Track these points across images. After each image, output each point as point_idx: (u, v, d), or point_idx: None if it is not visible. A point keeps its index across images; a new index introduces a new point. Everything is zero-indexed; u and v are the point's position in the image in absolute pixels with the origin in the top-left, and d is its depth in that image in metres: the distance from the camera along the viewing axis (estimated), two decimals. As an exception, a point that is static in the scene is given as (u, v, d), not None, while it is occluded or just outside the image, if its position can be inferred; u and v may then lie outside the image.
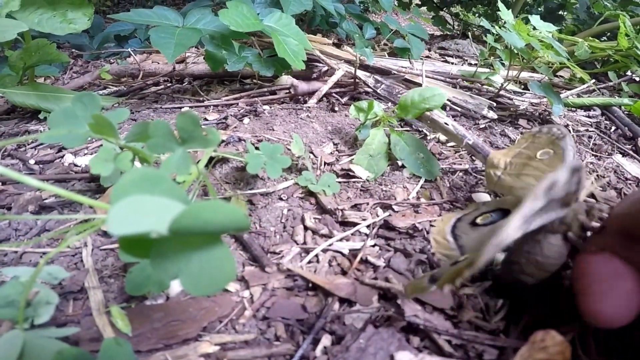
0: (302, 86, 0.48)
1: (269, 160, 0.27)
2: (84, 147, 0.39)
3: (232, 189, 0.30)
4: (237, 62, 0.49)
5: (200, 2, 1.03)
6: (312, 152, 0.37)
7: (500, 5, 0.54)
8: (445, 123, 0.36)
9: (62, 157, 0.37)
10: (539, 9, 1.41)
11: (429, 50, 1.04)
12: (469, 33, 1.79)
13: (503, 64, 0.62)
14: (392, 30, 0.77)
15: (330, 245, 0.26)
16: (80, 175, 0.33)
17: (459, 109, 0.48)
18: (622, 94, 0.86)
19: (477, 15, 1.77)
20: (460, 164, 0.37)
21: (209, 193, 0.27)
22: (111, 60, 0.77)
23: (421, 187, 0.33)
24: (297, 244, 0.26)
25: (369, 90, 0.49)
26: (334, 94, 0.49)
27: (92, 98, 0.25)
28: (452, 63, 0.86)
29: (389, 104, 0.48)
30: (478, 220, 0.21)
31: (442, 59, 0.90)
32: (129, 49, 0.67)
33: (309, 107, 0.46)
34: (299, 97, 0.48)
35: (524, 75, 0.65)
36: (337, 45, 0.92)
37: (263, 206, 0.29)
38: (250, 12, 0.48)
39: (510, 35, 0.47)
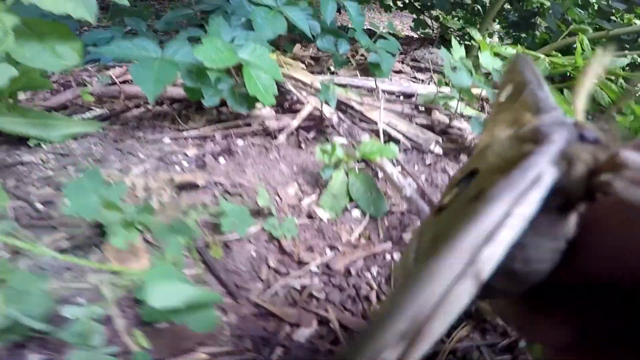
0: (272, 124, 0.60)
1: (238, 221, 0.41)
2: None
3: (211, 234, 0.44)
4: (213, 96, 0.60)
5: (180, 11, 1.09)
6: (277, 195, 0.50)
7: (453, 42, 0.66)
8: (392, 172, 0.50)
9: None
10: (515, 14, 1.52)
11: (403, 61, 1.16)
12: (449, 37, 1.91)
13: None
14: (365, 46, 0.88)
15: (286, 282, 0.40)
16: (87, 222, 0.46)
17: (410, 144, 0.62)
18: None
19: (456, 18, 1.89)
20: (399, 206, 0.51)
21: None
22: (89, 68, 0.84)
23: (364, 228, 0.48)
24: (262, 281, 0.41)
25: (334, 123, 0.61)
26: (302, 128, 0.62)
27: (96, 175, 0.38)
28: (421, 80, 0.99)
29: (350, 137, 0.61)
30: (445, 200, 0.14)
31: (412, 75, 1.02)
32: (109, 64, 0.76)
33: (278, 144, 0.58)
34: (270, 131, 0.61)
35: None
36: (316, 59, 1.03)
37: (237, 249, 0.43)
38: (225, 46, 0.59)
39: (458, 76, 0.60)
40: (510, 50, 0.92)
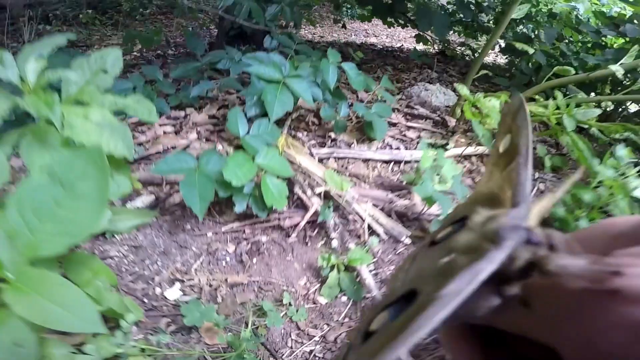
0: (285, 222, 0.87)
1: (274, 317, 0.71)
2: (172, 278, 0.80)
3: (256, 317, 0.75)
4: (242, 202, 0.86)
5: (191, 64, 1.26)
6: (294, 287, 0.80)
7: (423, 149, 0.90)
8: (365, 278, 0.80)
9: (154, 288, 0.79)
10: (510, 34, 1.66)
11: (399, 105, 1.39)
12: (449, 52, 2.03)
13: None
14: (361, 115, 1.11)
15: (302, 349, 0.72)
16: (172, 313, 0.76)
17: (386, 234, 0.90)
18: (544, 169, 1.27)
19: (457, 33, 2.03)
20: (374, 292, 0.81)
21: None
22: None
23: (348, 309, 0.79)
24: (290, 348, 0.72)
25: (330, 227, 0.89)
26: (308, 222, 0.89)
27: (196, 304, 0.67)
28: (410, 139, 1.23)
29: (341, 241, 0.89)
30: (438, 237, 0.16)
31: (403, 132, 1.25)
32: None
33: (291, 242, 0.86)
34: (284, 228, 0.88)
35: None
36: (319, 118, 1.24)
37: (273, 329, 0.74)
38: (245, 159, 0.83)
39: (422, 187, 0.85)
40: (494, 102, 1.15)
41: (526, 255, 0.11)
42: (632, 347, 0.10)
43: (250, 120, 1.01)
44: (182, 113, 1.33)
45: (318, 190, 0.91)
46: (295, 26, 1.85)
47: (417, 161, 1.10)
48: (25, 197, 0.48)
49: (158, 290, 0.79)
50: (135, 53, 2.28)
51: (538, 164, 1.27)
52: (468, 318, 0.13)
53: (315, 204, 0.89)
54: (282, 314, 0.76)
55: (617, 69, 1.20)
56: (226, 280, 0.79)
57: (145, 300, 0.77)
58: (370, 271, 0.82)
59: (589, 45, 1.81)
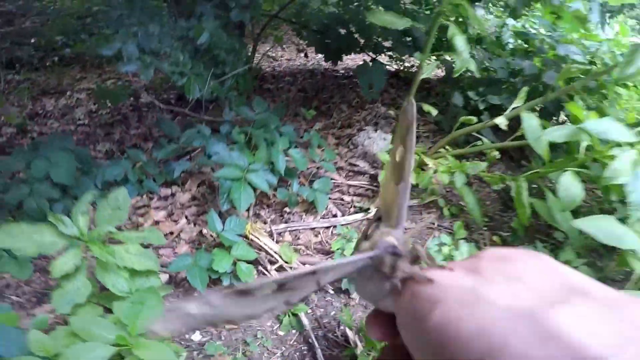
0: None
1: (252, 347, 1.31)
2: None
3: None
4: (226, 279, 1.43)
5: (171, 147, 1.76)
6: (264, 327, 1.39)
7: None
8: None
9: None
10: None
11: (346, 154, 1.93)
12: (403, 73, 2.28)
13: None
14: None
15: (270, 364, 1.33)
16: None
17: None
18: (444, 217, 1.84)
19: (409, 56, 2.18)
20: (308, 327, 1.42)
21: None
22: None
23: (296, 337, 1.39)
24: None
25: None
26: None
27: None
28: (347, 203, 1.80)
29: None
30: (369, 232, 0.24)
31: (347, 189, 1.81)
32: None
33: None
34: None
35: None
36: (275, 199, 1.78)
37: None
38: (224, 253, 1.40)
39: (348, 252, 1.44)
40: (458, 177, 1.65)
41: (390, 261, 0.19)
42: (429, 307, 0.16)
43: (224, 214, 1.55)
44: (169, 191, 1.85)
45: (275, 266, 1.48)
46: (246, 94, 2.24)
47: (349, 223, 1.67)
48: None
49: (187, 336, 1.36)
50: (109, 106, 2.49)
51: (439, 213, 1.81)
52: (376, 301, 0.21)
53: (274, 275, 1.46)
54: (257, 344, 1.35)
55: (501, 122, 1.29)
56: (224, 326, 1.37)
57: (182, 343, 1.34)
58: (307, 313, 1.42)
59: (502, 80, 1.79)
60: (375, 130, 2.00)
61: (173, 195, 1.84)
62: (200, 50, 1.81)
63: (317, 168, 1.88)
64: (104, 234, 1.11)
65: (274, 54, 3.21)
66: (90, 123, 2.57)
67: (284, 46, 3.21)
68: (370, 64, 2.07)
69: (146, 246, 1.19)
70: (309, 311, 1.45)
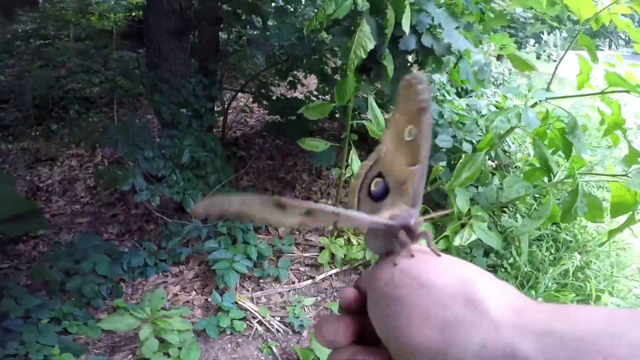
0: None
1: None
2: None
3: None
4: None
5: (175, 238, 2.69)
6: (250, 361, 2.28)
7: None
8: None
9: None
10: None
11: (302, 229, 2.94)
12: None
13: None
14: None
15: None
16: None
17: (280, 331, 2.43)
18: None
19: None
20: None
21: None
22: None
23: None
24: None
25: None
26: (253, 336, 2.39)
27: None
28: (303, 271, 2.80)
29: None
30: (372, 188, 0.27)
31: (302, 254, 2.81)
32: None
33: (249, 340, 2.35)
34: None
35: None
36: (254, 274, 2.73)
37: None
38: (225, 317, 2.30)
39: (295, 314, 2.39)
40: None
41: (400, 235, 0.22)
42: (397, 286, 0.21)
43: (221, 290, 2.45)
44: (176, 269, 2.71)
45: (256, 320, 2.39)
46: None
47: (302, 287, 2.64)
48: None
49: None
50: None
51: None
52: (377, 254, 0.24)
53: (256, 326, 2.36)
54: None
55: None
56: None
57: None
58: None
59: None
60: (327, 203, 2.89)
61: (181, 272, 2.69)
62: (185, 166, 2.60)
63: (280, 250, 2.86)
64: (161, 314, 2.01)
65: (243, 121, 3.25)
66: (92, 201, 2.97)
67: (254, 108, 3.30)
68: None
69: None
70: (277, 344, 2.35)
